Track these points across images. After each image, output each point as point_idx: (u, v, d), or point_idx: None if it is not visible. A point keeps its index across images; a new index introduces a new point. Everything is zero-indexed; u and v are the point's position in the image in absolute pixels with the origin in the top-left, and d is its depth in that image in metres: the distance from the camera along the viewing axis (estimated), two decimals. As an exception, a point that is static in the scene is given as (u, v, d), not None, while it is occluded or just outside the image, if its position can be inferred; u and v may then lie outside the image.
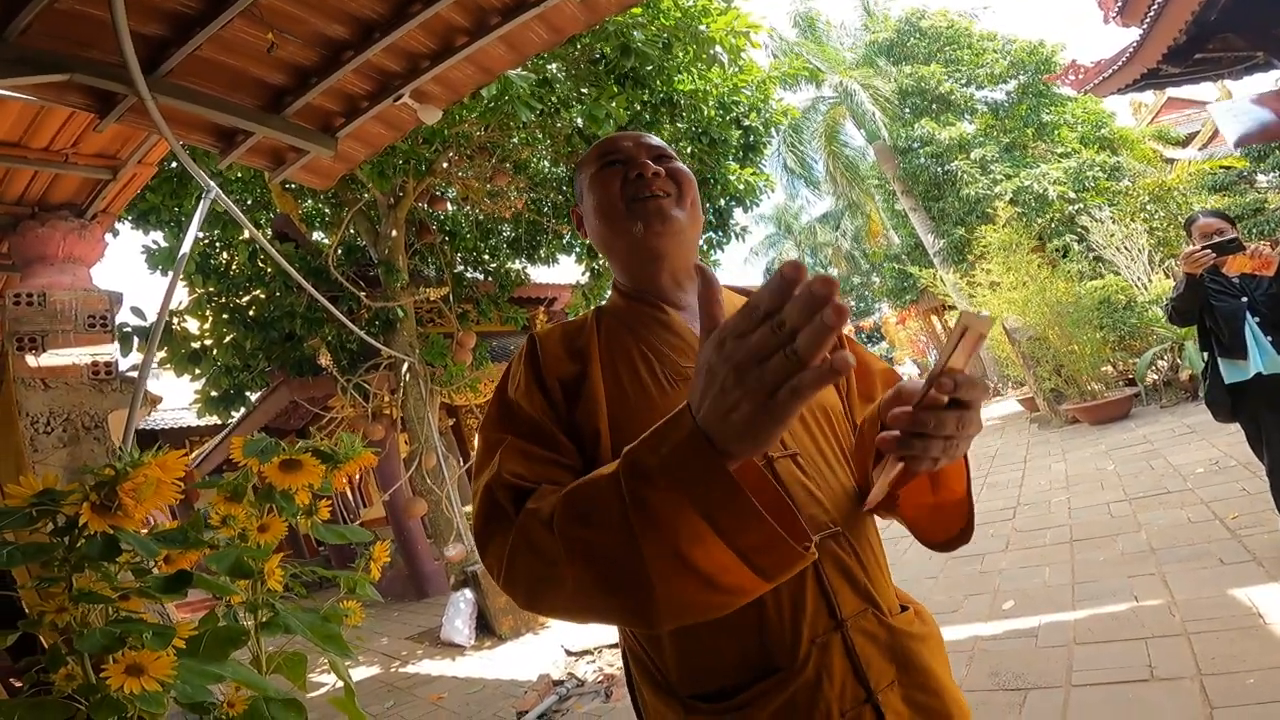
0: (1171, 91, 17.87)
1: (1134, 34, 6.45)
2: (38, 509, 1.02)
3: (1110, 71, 7.18)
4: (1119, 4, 6.29)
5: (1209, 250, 2.75)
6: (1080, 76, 8.27)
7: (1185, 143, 18.01)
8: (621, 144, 1.01)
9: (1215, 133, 17.43)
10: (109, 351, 2.49)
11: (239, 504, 1.25)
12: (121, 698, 1.00)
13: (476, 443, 0.93)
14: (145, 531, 1.17)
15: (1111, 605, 3.29)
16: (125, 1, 1.87)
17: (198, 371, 6.76)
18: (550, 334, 0.96)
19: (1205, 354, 3.09)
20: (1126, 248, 10.14)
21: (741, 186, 7.82)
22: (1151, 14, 5.76)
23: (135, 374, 2.29)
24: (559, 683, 4.35)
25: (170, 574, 1.09)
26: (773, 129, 8.59)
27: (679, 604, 0.60)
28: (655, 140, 1.03)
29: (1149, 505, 4.66)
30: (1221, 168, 12.34)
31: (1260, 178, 11.37)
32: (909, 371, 22.63)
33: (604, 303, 1.06)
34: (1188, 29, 5.69)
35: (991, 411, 13.46)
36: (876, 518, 0.93)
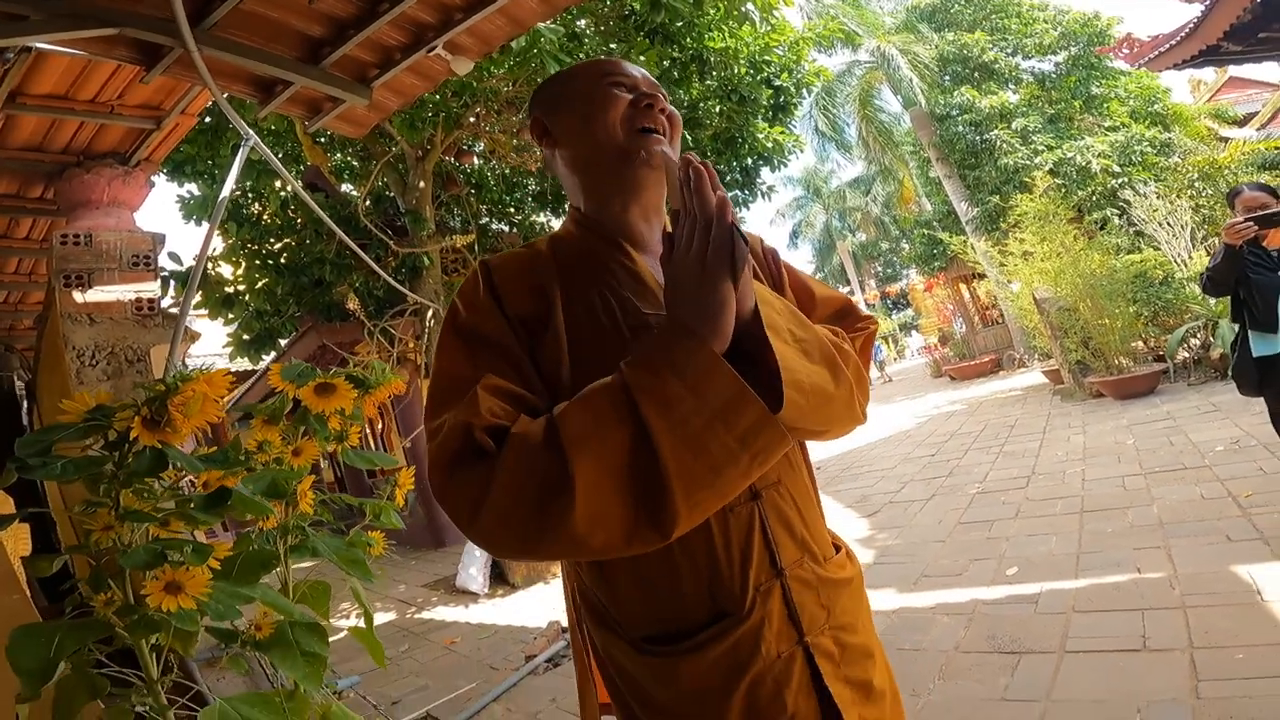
0: (1234, 70, 17.00)
1: (1195, 10, 6.17)
2: (90, 424, 1.08)
3: (1168, 46, 6.92)
4: (1182, -23, 6.02)
5: (1251, 222, 2.72)
6: (1135, 50, 7.94)
7: (1243, 122, 17.11)
8: (628, 70, 0.98)
9: (1276, 113, 16.65)
10: (151, 289, 2.61)
11: (275, 427, 1.33)
12: (158, 616, 1.06)
13: (434, 367, 0.85)
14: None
15: (1114, 576, 3.32)
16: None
17: (230, 315, 6.98)
18: (504, 264, 0.91)
19: (1236, 325, 3.05)
20: (1169, 223, 9.84)
21: (770, 145, 7.71)
22: (1217, -10, 5.49)
23: (176, 310, 2.39)
24: (567, 629, 4.50)
25: (210, 493, 1.17)
26: (804, 90, 8.40)
27: (693, 495, 0.66)
28: (652, 79, 1.01)
29: (1164, 480, 4.65)
30: (1277, 148, 11.80)
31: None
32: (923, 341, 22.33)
33: (557, 231, 1.00)
34: (1253, 7, 5.44)
35: (1014, 382, 13.31)
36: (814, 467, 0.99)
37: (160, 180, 6.52)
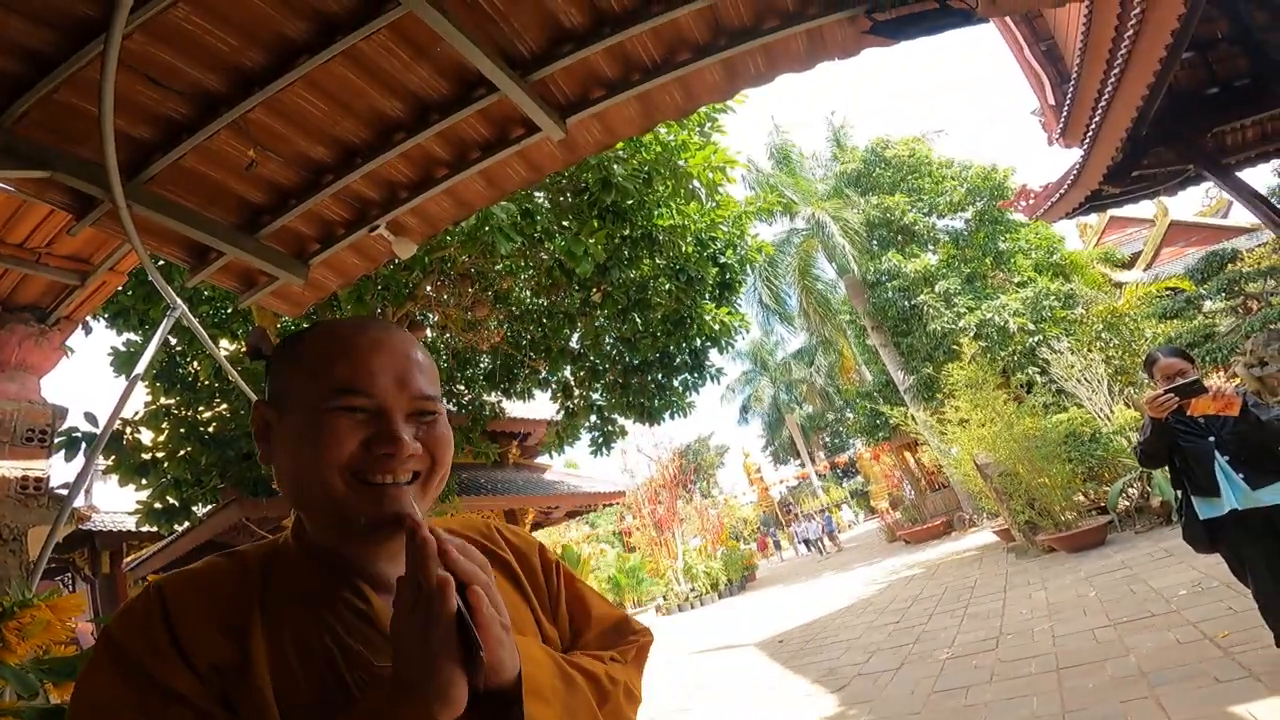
0: (1113, 211, 19.07)
1: (1075, 154, 6.73)
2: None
3: (1058, 196, 7.46)
4: (1061, 126, 6.69)
5: (1172, 393, 2.72)
6: (1031, 202, 8.50)
7: (1130, 263, 18.99)
8: (377, 378, 0.74)
9: (1157, 251, 18.39)
10: (41, 467, 2.38)
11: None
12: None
13: (74, 706, 0.66)
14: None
15: (1107, 731, 3.11)
16: (115, 101, 1.78)
17: (145, 482, 6.45)
18: (184, 593, 0.70)
19: (1179, 492, 3.04)
20: (1086, 379, 10.45)
21: (717, 327, 7.92)
22: (1090, 133, 5.99)
23: (65, 491, 2.16)
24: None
25: (44, 710, 0.98)
26: (748, 267, 8.69)
27: None
28: (420, 380, 0.78)
29: (1135, 629, 4.54)
30: (1168, 289, 12.89)
31: (1207, 303, 11.69)
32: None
33: (276, 542, 0.80)
34: (1124, 146, 5.94)
35: (967, 543, 13.34)
36: None
37: (99, 326, 6.33)
